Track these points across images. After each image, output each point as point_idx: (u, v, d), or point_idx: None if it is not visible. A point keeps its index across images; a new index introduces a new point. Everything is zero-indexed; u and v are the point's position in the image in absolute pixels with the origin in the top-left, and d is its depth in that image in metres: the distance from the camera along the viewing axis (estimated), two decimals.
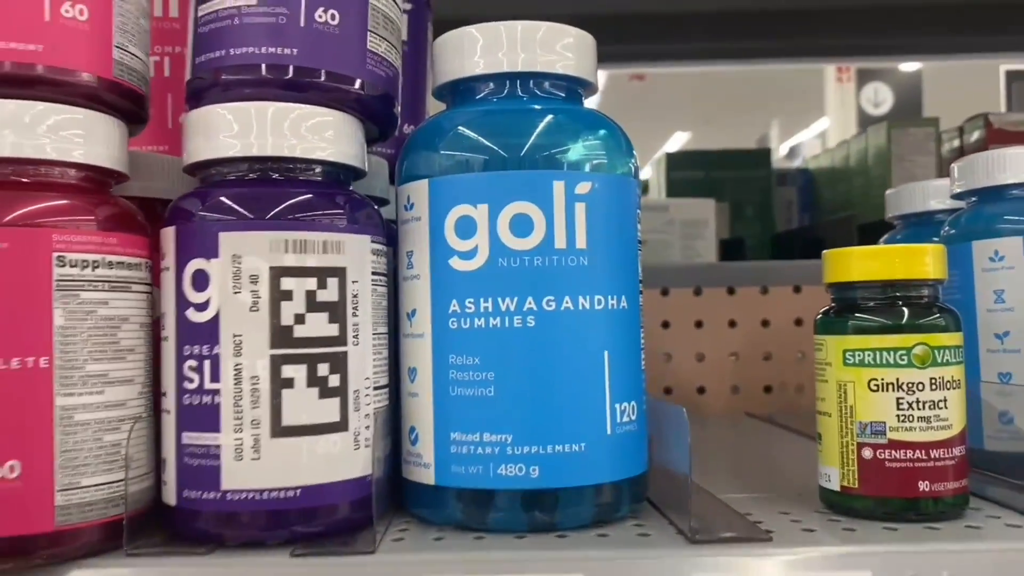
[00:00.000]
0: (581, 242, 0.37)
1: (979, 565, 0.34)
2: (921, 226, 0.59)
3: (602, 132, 0.39)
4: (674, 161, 1.25)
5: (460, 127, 0.38)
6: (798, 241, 1.25)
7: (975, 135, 1.12)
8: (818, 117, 4.97)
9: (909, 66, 4.35)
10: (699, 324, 0.86)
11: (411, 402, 0.39)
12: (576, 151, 0.37)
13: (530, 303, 0.36)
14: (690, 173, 1.23)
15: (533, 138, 0.37)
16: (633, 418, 0.39)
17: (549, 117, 0.38)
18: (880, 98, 4.50)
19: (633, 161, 0.40)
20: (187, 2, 0.43)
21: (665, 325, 0.86)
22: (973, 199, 0.52)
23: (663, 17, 1.16)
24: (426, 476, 0.38)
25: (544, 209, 0.37)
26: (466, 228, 0.37)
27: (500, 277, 0.37)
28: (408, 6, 0.54)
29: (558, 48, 0.39)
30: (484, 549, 0.35)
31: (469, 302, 0.37)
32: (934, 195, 0.58)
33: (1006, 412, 0.47)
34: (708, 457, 0.56)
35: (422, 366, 0.38)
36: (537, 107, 0.39)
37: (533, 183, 0.37)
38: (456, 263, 0.37)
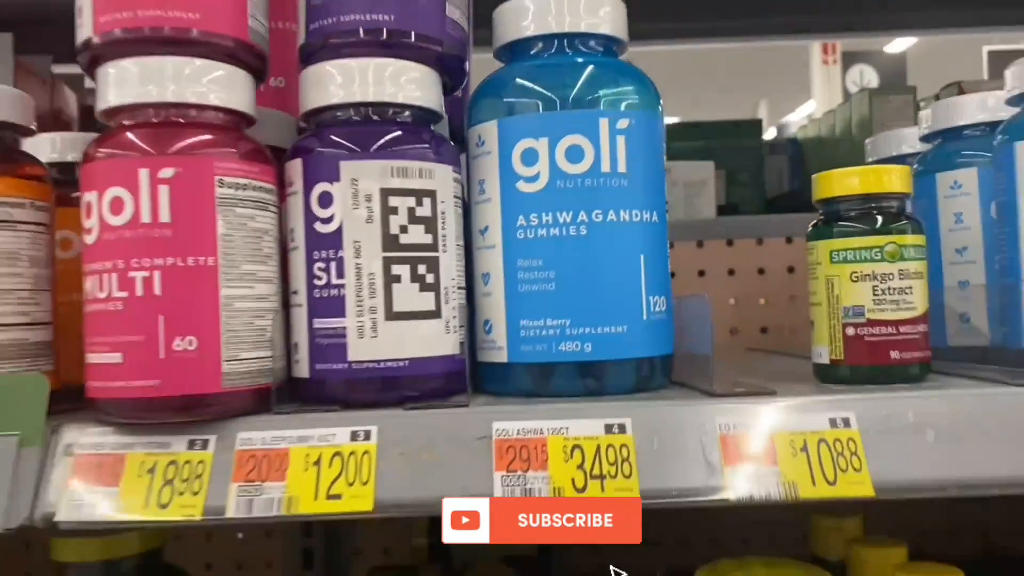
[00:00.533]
0: (622, 167, 0.47)
1: (936, 406, 0.43)
2: None
3: (636, 80, 0.48)
4: (673, 132, 1.34)
5: (521, 78, 0.48)
6: (788, 205, 1.35)
7: None
8: (805, 100, 5.06)
9: (894, 48, 4.45)
10: (702, 273, 0.96)
11: (485, 301, 0.49)
12: (617, 94, 0.47)
13: (582, 216, 0.46)
14: (688, 143, 1.33)
15: (585, 84, 0.47)
16: (663, 309, 0.48)
17: (596, 68, 0.47)
18: (865, 80, 4.58)
19: (660, 105, 0.49)
20: None
21: (671, 275, 0.95)
22: (937, 140, 0.61)
23: None
24: (499, 356, 0.48)
25: (592, 141, 0.46)
26: (530, 158, 0.47)
27: (558, 196, 0.46)
28: None
29: (599, 13, 0.48)
30: (553, 403, 0.44)
31: (533, 217, 0.47)
32: (906, 140, 0.68)
33: (965, 313, 0.57)
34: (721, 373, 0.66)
35: (494, 270, 0.48)
36: (583, 60, 0.48)
37: (584, 120, 0.46)
38: (522, 186, 0.47)
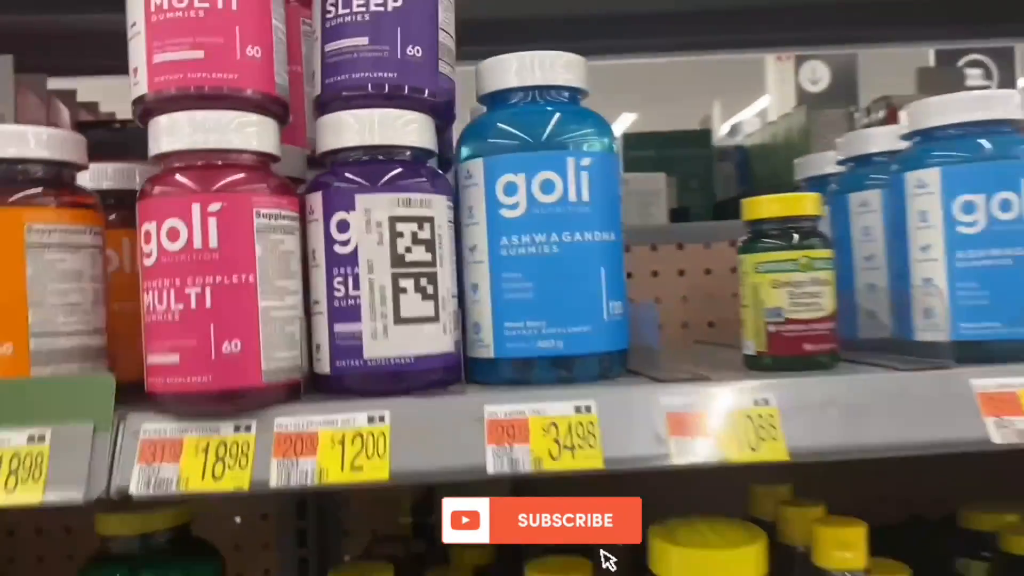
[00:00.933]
0: (586, 197, 0.57)
1: (839, 389, 0.54)
2: (819, 184, 0.80)
3: (596, 124, 0.59)
4: (630, 142, 1.46)
5: (502, 123, 0.58)
6: (735, 207, 1.46)
7: (880, 114, 1.34)
8: (759, 95, 5.20)
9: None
10: (655, 274, 1.06)
11: (474, 306, 0.58)
12: (582, 137, 0.57)
13: (555, 237, 0.56)
14: (643, 152, 1.44)
15: (556, 129, 0.57)
16: (620, 312, 0.59)
17: (564, 115, 0.58)
18: (818, 76, 4.70)
19: (616, 143, 0.60)
20: (298, 43, 0.62)
21: (628, 276, 1.06)
22: (851, 164, 0.73)
23: (607, 17, 1.33)
24: (487, 352, 0.58)
25: (562, 176, 0.56)
26: (511, 189, 0.57)
27: (535, 221, 0.56)
28: None
29: (563, 69, 0.58)
30: (532, 390, 0.54)
31: (515, 238, 0.57)
32: (828, 163, 0.79)
33: (872, 310, 0.68)
34: (668, 363, 0.77)
35: (482, 282, 0.58)
36: (553, 108, 0.58)
37: (554, 159, 0.56)
38: (504, 212, 0.57)
